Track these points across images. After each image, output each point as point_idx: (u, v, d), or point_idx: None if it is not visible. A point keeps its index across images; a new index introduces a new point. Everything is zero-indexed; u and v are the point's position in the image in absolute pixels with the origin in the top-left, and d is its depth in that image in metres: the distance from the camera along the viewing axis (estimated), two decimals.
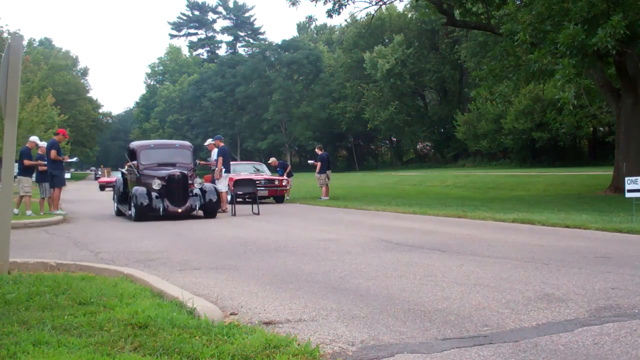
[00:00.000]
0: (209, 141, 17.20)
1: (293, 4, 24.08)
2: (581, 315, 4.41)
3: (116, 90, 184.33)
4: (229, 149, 19.13)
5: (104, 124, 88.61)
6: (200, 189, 14.41)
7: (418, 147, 67.86)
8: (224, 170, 16.02)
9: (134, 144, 16.18)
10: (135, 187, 13.95)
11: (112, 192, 22.83)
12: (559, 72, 16.08)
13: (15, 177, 22.19)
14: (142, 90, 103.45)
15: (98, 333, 3.88)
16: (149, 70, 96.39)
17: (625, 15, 15.17)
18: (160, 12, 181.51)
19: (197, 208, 14.10)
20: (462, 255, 7.50)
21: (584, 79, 19.58)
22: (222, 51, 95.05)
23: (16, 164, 18.54)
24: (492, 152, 51.12)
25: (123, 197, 15.68)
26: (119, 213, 15.71)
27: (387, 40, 64.32)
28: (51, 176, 14.75)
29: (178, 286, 5.49)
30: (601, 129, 43.40)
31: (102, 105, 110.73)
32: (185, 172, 14.17)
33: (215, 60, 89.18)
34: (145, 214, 13.55)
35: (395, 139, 69.15)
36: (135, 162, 14.96)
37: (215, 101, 76.13)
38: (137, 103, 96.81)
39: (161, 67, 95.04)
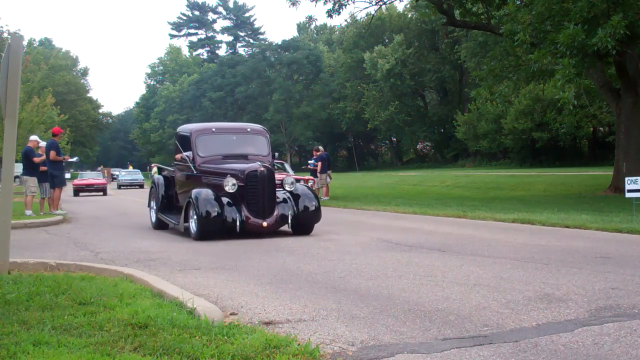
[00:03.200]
0: None
1: (293, 4, 24.08)
2: (581, 315, 4.41)
3: (116, 90, 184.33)
4: None
5: (104, 124, 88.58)
6: (291, 192, 10.27)
7: (418, 147, 67.85)
8: None
9: (187, 128, 11.82)
10: (197, 191, 9.80)
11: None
12: (559, 72, 16.08)
13: (18, 177, 22.09)
14: (142, 90, 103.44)
15: (98, 333, 3.88)
16: (149, 70, 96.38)
17: (625, 15, 15.17)
18: (160, 12, 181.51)
19: (289, 220, 9.88)
20: (462, 255, 7.50)
21: (584, 79, 19.56)
22: (222, 51, 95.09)
23: (19, 164, 18.55)
24: (492, 152, 51.11)
25: (166, 203, 11.78)
26: (160, 226, 11.65)
27: (387, 40, 64.30)
28: (52, 176, 14.75)
29: (178, 286, 5.49)
30: (601, 129, 43.39)
31: (102, 105, 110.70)
32: (270, 167, 10.25)
33: (215, 60, 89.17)
34: (214, 228, 9.52)
35: (395, 139, 69.12)
36: (188, 154, 10.91)
37: (215, 101, 76.10)
38: (137, 103, 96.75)
39: (161, 67, 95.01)
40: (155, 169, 50.73)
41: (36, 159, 14.39)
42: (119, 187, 43.34)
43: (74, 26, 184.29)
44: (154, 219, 11.99)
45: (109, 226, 12.86)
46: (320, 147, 21.61)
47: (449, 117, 56.72)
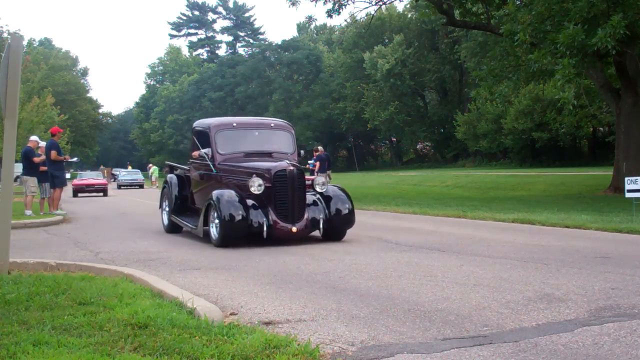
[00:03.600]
0: None
1: (293, 4, 24.08)
2: (581, 315, 4.41)
3: (116, 90, 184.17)
4: None
5: (104, 124, 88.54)
6: (321, 193, 9.33)
7: (418, 147, 67.84)
8: None
9: (204, 123, 10.71)
10: (219, 192, 8.91)
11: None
12: (559, 72, 16.09)
13: (18, 177, 22.04)
14: (142, 90, 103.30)
15: (98, 333, 3.88)
16: (149, 70, 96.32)
17: (625, 15, 15.18)
18: (160, 12, 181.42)
19: (321, 225, 8.96)
20: (462, 255, 7.50)
21: (584, 79, 19.58)
22: (222, 51, 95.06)
23: (19, 164, 18.52)
24: (492, 152, 51.11)
25: (181, 204, 10.89)
26: (174, 229, 10.83)
27: (387, 40, 64.30)
28: (52, 176, 14.75)
29: (178, 286, 5.49)
30: (601, 129, 43.39)
31: (102, 105, 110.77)
32: (299, 166, 9.24)
33: (215, 60, 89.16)
34: (238, 234, 8.64)
35: (395, 139, 69.13)
36: (207, 151, 9.92)
37: (215, 101, 76.10)
38: (137, 103, 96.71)
39: (161, 67, 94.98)
40: (153, 169, 50.78)
41: (36, 159, 14.39)
42: (119, 187, 43.33)
43: (74, 26, 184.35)
44: (166, 222, 11.11)
45: (109, 226, 12.85)
46: (320, 147, 21.59)
47: (449, 117, 56.73)
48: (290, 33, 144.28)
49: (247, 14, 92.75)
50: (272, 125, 10.67)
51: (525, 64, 18.79)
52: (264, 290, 5.55)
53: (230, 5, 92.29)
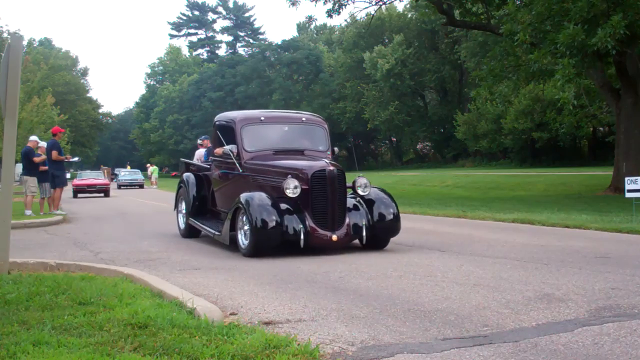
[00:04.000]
0: (199, 140, 17.15)
1: (293, 4, 24.08)
2: (581, 315, 4.41)
3: (116, 90, 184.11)
4: None
5: (104, 124, 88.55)
6: (362, 197, 8.32)
7: (418, 147, 67.85)
8: None
9: (229, 117, 9.73)
10: (248, 194, 7.94)
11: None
12: (559, 72, 16.09)
13: (19, 177, 22.00)
14: (142, 90, 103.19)
15: (98, 333, 3.88)
16: (148, 70, 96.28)
17: (625, 15, 15.18)
18: (160, 12, 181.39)
19: (364, 233, 7.92)
20: (462, 255, 7.50)
21: (584, 79, 19.60)
22: (222, 51, 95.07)
23: (20, 164, 18.53)
24: (492, 152, 51.12)
25: (199, 206, 9.96)
26: (192, 233, 9.94)
27: (387, 40, 64.31)
28: (53, 176, 14.76)
29: (178, 286, 5.49)
30: (601, 129, 43.40)
31: (102, 105, 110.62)
32: (339, 166, 8.19)
33: (215, 60, 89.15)
34: (272, 242, 7.70)
35: (395, 139, 69.12)
36: (232, 147, 8.92)
37: (215, 101, 76.08)
38: (137, 103, 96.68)
39: (161, 67, 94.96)
40: (153, 169, 50.76)
41: (36, 159, 14.39)
42: (119, 187, 43.34)
43: (74, 26, 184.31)
44: (182, 225, 10.22)
45: (109, 226, 12.85)
46: None
47: (449, 117, 56.71)
48: (290, 33, 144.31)
49: (247, 14, 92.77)
50: (304, 119, 9.55)
51: (525, 64, 18.80)
52: (264, 290, 5.55)
53: (230, 5, 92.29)
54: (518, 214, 12.60)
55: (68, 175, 19.11)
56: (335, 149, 9.68)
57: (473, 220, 12.32)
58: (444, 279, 5.87)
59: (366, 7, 51.01)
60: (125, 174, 47.52)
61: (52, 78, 59.14)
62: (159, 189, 40.53)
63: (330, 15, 24.17)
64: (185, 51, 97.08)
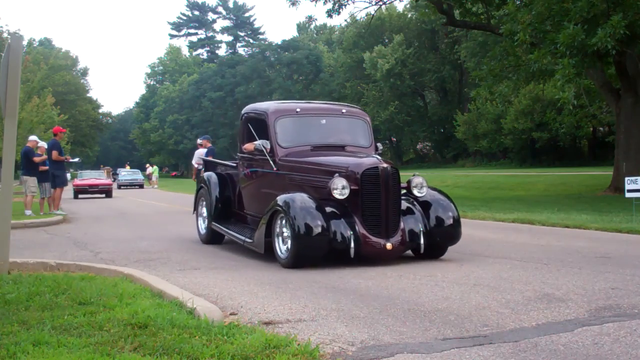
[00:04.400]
0: (199, 140, 17.17)
1: (293, 4, 24.07)
2: (581, 315, 4.41)
3: (116, 90, 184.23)
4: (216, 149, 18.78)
5: (104, 124, 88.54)
6: (415, 199, 7.32)
7: (418, 147, 67.84)
8: None
9: (260, 108, 8.70)
10: (288, 196, 6.98)
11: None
12: (559, 72, 16.09)
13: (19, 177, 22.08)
14: (142, 90, 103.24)
15: (98, 333, 3.88)
16: (148, 70, 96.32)
17: (625, 15, 15.18)
18: (160, 12, 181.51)
19: (421, 240, 6.94)
20: (462, 255, 7.50)
21: (584, 79, 19.58)
22: (222, 51, 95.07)
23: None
24: (492, 152, 51.12)
25: (223, 209, 9.01)
26: (214, 238, 9.03)
27: (387, 40, 64.31)
28: (53, 176, 14.76)
29: (178, 286, 5.50)
30: (601, 129, 43.41)
31: (102, 105, 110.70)
32: (393, 164, 7.25)
33: (215, 60, 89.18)
34: (316, 252, 6.74)
35: (395, 139, 69.11)
36: (264, 143, 7.90)
37: (215, 101, 76.11)
38: (137, 103, 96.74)
39: (161, 67, 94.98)
40: (151, 169, 50.71)
41: (36, 159, 14.40)
42: (119, 187, 43.35)
43: (74, 26, 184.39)
44: (203, 230, 9.30)
45: (109, 226, 12.85)
46: None
47: (449, 117, 56.73)
48: (290, 33, 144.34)
49: (247, 14, 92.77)
50: (343, 111, 8.59)
51: (525, 64, 18.79)
52: (264, 290, 5.55)
53: (230, 5, 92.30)
54: (518, 214, 12.60)
55: (68, 176, 19.07)
56: (379, 144, 8.63)
57: (473, 220, 12.31)
58: (444, 279, 5.87)
59: (366, 7, 51.00)
60: (125, 174, 47.54)
61: (52, 78, 59.14)
62: (159, 189, 40.52)
63: (330, 15, 24.16)
64: (185, 51, 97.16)
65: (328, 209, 6.81)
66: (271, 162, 7.83)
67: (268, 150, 7.87)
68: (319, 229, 6.60)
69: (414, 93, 63.59)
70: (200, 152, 16.42)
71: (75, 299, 4.85)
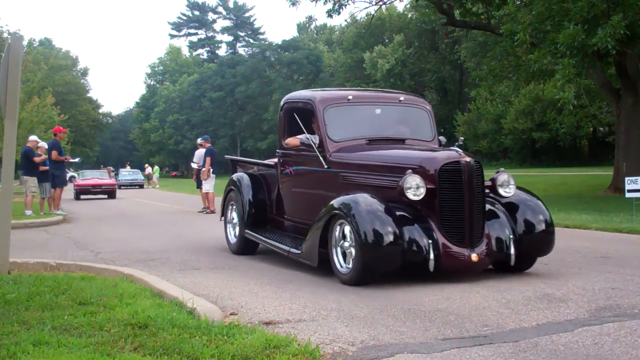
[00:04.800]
0: (199, 141, 17.20)
1: (293, 4, 24.06)
2: (581, 315, 4.41)
3: (116, 90, 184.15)
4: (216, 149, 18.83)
5: (104, 124, 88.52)
6: (498, 199, 6.23)
7: None
8: (211, 170, 15.86)
9: (305, 96, 7.53)
10: (349, 197, 5.90)
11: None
12: (559, 72, 16.07)
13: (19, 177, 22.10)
14: (142, 90, 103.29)
15: (98, 333, 3.88)
16: (149, 70, 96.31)
17: (625, 15, 15.17)
18: (160, 12, 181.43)
19: (511, 250, 5.84)
20: None
21: (584, 79, 19.57)
22: (222, 51, 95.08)
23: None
24: (492, 152, 51.18)
25: (258, 215, 7.82)
26: (246, 248, 7.90)
27: (387, 40, 64.36)
28: (53, 176, 14.77)
29: (178, 286, 5.50)
30: (601, 129, 43.44)
31: (102, 105, 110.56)
32: (474, 157, 6.09)
33: (215, 60, 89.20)
34: (386, 264, 5.65)
35: None
36: (311, 137, 6.86)
37: (215, 101, 76.15)
38: (137, 103, 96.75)
39: (161, 67, 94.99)
40: (150, 170, 50.65)
41: (37, 159, 14.41)
42: (119, 187, 43.33)
43: (74, 26, 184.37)
44: (234, 239, 8.13)
45: (109, 226, 12.86)
46: None
47: (449, 117, 56.76)
48: (290, 33, 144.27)
49: (247, 14, 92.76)
50: (401, 99, 7.47)
51: (525, 64, 18.79)
52: (264, 290, 5.55)
53: (230, 5, 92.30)
54: None
55: (71, 175, 19.02)
56: (442, 138, 7.66)
57: None
58: (444, 279, 5.87)
59: (366, 7, 50.96)
60: (126, 174, 47.57)
61: (52, 78, 59.08)
62: (160, 189, 40.53)
63: (330, 15, 24.13)
64: (185, 51, 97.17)
65: (398, 213, 5.70)
66: (321, 158, 6.68)
67: (317, 145, 6.76)
68: (391, 237, 5.47)
69: (414, 93, 63.59)
70: (200, 152, 16.46)
71: (75, 299, 4.85)
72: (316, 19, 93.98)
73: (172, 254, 8.09)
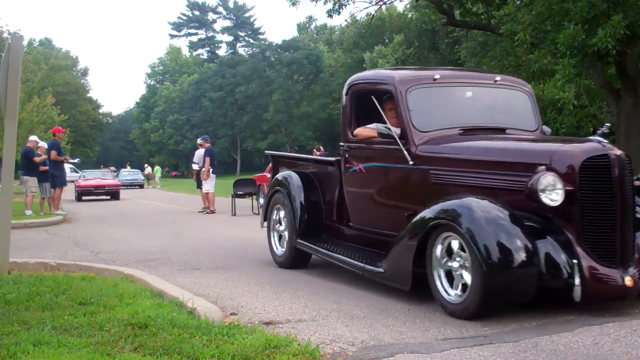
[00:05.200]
0: (199, 141, 17.22)
1: (293, 4, 24.02)
2: (581, 315, 4.41)
3: (116, 90, 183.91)
4: (215, 150, 18.81)
5: (104, 124, 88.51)
6: None
7: None
8: (211, 170, 15.86)
9: (380, 76, 6.21)
10: (459, 203, 4.49)
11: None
12: (559, 72, 16.07)
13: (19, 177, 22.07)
14: (142, 90, 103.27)
15: (98, 333, 3.88)
16: (149, 70, 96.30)
17: (625, 15, 15.16)
18: (160, 12, 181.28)
19: None
20: None
21: (584, 79, 19.57)
22: (222, 51, 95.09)
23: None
24: None
25: (312, 222, 6.50)
26: (297, 261, 6.68)
27: (387, 40, 64.36)
28: (52, 176, 14.77)
29: (178, 286, 5.50)
30: (601, 129, 43.46)
31: (102, 105, 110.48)
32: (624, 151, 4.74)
33: (216, 60, 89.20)
34: (518, 292, 4.32)
35: None
36: (387, 127, 5.54)
37: (215, 101, 76.13)
38: (137, 103, 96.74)
39: (161, 67, 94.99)
40: (150, 170, 50.66)
41: (37, 159, 14.41)
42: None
43: (74, 26, 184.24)
44: (281, 250, 6.89)
45: (109, 226, 12.85)
46: (321, 147, 21.61)
47: None
48: (291, 33, 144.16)
49: (247, 14, 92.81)
50: (497, 79, 6.04)
51: (525, 64, 18.79)
52: (264, 290, 5.55)
53: (231, 5, 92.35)
54: None
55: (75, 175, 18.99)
56: (547, 128, 6.23)
57: None
58: None
59: (366, 7, 50.94)
60: (126, 174, 47.59)
61: (52, 78, 59.06)
62: (160, 189, 40.53)
63: (330, 15, 24.10)
64: (185, 51, 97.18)
65: (526, 223, 4.43)
66: (405, 152, 5.29)
67: (399, 136, 5.40)
68: (523, 255, 4.19)
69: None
70: (200, 153, 16.47)
71: (75, 299, 4.85)
72: (316, 19, 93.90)
73: (172, 254, 8.09)
